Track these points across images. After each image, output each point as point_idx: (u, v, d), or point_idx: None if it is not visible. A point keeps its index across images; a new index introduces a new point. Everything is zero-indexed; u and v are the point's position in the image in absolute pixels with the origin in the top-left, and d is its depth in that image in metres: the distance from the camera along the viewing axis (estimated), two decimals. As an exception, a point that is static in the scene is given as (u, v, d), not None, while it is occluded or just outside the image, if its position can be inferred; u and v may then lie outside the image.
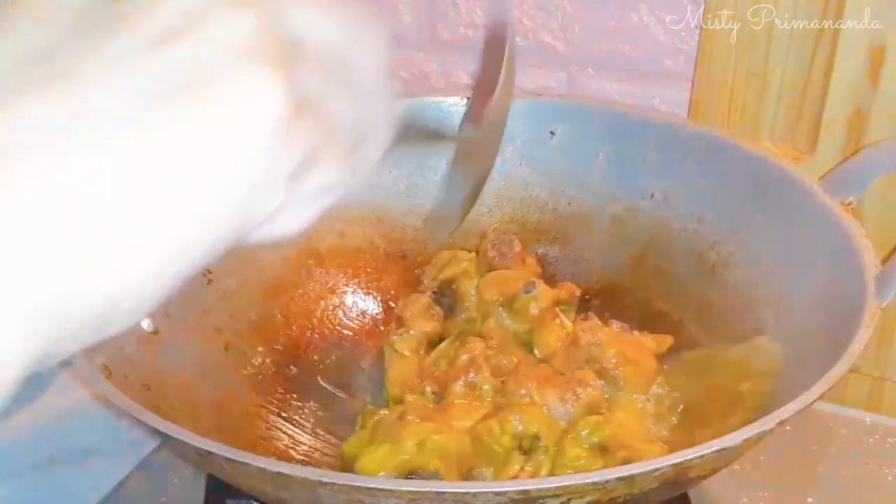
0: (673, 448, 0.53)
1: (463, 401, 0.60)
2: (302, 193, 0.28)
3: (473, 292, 0.68)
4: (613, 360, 0.61)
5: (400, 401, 0.63)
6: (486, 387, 0.61)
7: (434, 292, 0.70)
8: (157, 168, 0.24)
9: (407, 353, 0.67)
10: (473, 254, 0.71)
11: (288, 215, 0.28)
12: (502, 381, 0.61)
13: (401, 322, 0.69)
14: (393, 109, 0.33)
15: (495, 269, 0.69)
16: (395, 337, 0.68)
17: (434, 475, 0.55)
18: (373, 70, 0.31)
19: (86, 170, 0.23)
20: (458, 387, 0.61)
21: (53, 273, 0.22)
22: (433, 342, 0.67)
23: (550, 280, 0.69)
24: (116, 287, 0.24)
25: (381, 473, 0.55)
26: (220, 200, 0.25)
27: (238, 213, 0.26)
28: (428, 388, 0.63)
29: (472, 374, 0.62)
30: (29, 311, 0.22)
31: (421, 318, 0.68)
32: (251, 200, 0.26)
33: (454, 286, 0.69)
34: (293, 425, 0.65)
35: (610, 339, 0.62)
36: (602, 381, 0.60)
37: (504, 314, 0.67)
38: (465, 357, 0.63)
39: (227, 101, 0.25)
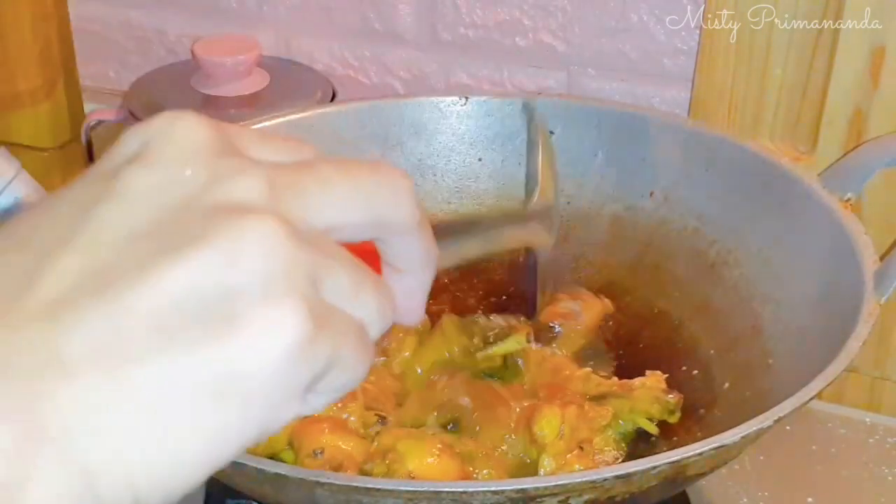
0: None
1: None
2: (317, 395, 0.28)
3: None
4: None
5: None
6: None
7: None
8: (182, 392, 0.25)
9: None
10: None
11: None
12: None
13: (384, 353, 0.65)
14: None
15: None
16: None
17: None
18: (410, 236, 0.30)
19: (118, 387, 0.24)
20: None
21: (109, 449, 0.24)
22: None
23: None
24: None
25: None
26: (234, 424, 0.26)
27: (254, 430, 0.26)
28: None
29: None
30: (84, 468, 0.24)
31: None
32: (268, 418, 0.26)
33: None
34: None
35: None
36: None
37: None
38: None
39: (244, 332, 0.25)
